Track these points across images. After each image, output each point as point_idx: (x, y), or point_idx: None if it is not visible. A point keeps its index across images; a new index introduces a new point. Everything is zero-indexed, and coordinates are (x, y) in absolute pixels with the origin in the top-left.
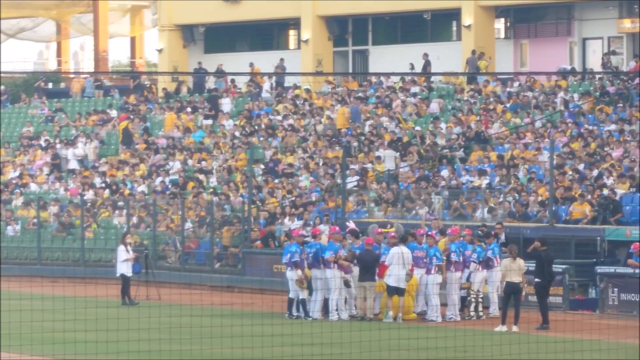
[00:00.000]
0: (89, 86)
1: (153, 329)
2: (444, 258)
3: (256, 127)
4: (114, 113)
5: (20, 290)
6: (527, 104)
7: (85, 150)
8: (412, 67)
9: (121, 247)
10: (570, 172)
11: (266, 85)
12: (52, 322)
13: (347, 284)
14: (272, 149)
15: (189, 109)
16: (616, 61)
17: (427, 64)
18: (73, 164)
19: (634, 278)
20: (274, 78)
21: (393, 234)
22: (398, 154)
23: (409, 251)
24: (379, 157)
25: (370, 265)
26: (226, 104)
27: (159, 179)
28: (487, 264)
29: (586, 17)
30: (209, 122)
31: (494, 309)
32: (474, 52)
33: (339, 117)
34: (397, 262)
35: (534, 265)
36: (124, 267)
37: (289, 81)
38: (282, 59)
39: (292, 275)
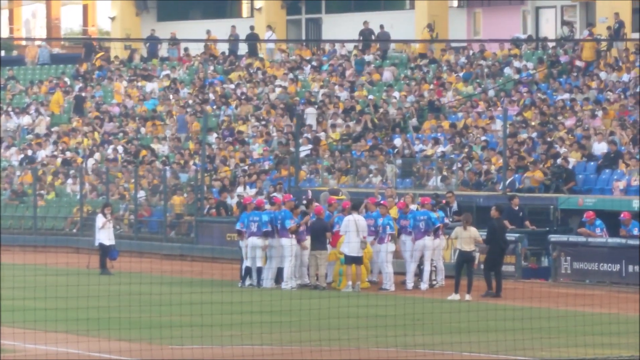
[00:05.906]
0: (44, 54)
1: (103, 297)
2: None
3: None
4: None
5: None
6: (480, 73)
7: (34, 119)
8: (366, 36)
9: (99, 216)
10: (524, 139)
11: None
12: (1, 290)
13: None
14: (225, 117)
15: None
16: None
17: (369, 32)
18: None
19: (586, 247)
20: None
21: (346, 201)
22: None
23: (363, 219)
24: (333, 126)
25: (320, 234)
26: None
27: (112, 147)
28: (437, 232)
29: None
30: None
31: (442, 278)
32: (381, 26)
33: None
34: (351, 230)
35: (486, 233)
36: (103, 235)
37: (242, 49)
38: (233, 26)
39: (259, 242)
